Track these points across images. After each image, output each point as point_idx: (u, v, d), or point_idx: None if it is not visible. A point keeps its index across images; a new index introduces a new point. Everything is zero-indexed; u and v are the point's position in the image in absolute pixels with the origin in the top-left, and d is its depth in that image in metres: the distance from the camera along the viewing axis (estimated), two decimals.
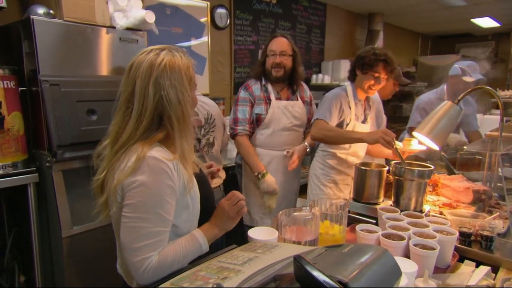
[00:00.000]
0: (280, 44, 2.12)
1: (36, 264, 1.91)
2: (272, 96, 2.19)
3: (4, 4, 1.61)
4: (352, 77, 2.05)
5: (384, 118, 2.47)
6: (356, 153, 2.12)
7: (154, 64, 0.92)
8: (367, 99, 2.13)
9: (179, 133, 0.95)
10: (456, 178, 1.81)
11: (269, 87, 2.21)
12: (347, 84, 2.08)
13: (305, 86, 2.36)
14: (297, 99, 2.24)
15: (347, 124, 2.02)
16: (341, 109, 1.98)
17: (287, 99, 2.23)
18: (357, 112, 2.06)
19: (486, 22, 6.42)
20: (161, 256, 0.90)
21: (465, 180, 1.79)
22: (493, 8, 5.37)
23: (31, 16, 1.72)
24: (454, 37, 8.04)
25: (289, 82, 2.24)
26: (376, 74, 1.89)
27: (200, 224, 1.06)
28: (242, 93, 2.21)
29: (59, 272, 1.90)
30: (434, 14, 5.83)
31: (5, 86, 1.69)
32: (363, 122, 2.10)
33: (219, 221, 1.04)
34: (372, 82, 1.92)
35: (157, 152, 0.92)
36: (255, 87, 2.21)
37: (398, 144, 1.77)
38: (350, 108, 2.01)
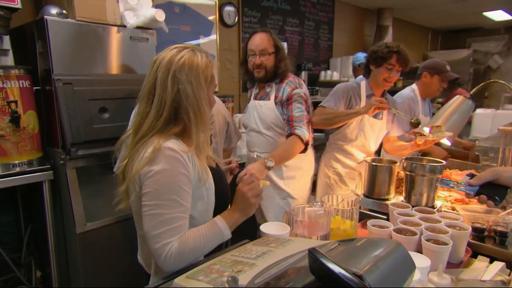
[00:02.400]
0: (259, 42, 1.89)
1: (52, 259, 1.95)
2: (252, 95, 2.10)
3: (19, 5, 1.65)
4: (366, 73, 2.07)
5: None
6: (363, 146, 2.10)
7: (173, 60, 0.98)
8: (382, 96, 2.10)
9: (196, 126, 0.99)
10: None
11: (255, 85, 2.10)
12: (362, 78, 2.09)
13: (289, 84, 1.93)
14: (268, 99, 1.97)
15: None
16: (349, 99, 2.01)
17: (260, 98, 2.03)
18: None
19: (498, 15, 6.30)
20: (181, 241, 0.92)
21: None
22: (506, 0, 5.27)
23: (45, 16, 1.75)
24: (465, 31, 7.90)
25: (274, 80, 2.00)
26: (390, 66, 1.92)
27: None
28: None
29: (74, 267, 1.94)
30: (444, 8, 5.74)
31: (21, 85, 1.73)
32: (375, 116, 2.07)
33: (240, 205, 1.04)
34: (387, 74, 1.93)
35: (173, 144, 0.96)
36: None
37: (425, 131, 1.74)
38: (360, 100, 2.03)
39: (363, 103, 2.02)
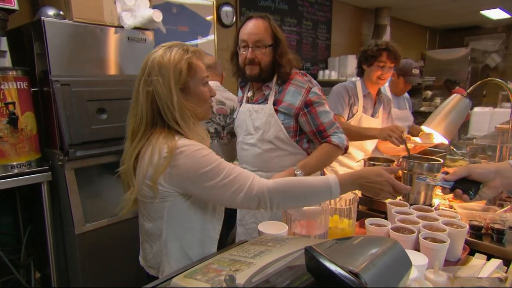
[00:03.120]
0: (254, 31, 1.46)
1: (51, 260, 1.95)
2: (245, 97, 1.68)
3: (16, 7, 1.65)
4: (360, 73, 2.10)
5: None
6: (361, 145, 2.09)
7: (147, 62, 0.98)
8: (378, 94, 2.11)
9: (183, 122, 0.98)
10: None
11: (248, 85, 1.68)
12: (358, 80, 2.11)
13: (299, 85, 1.55)
14: (266, 102, 1.54)
15: (354, 114, 2.03)
16: (349, 98, 2.02)
17: (256, 101, 1.60)
18: (366, 105, 2.06)
19: (496, 14, 6.32)
20: (276, 181, 0.94)
21: None
22: None
23: (42, 17, 1.75)
24: (463, 30, 7.92)
25: (271, 80, 1.57)
26: (382, 64, 1.93)
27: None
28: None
29: (73, 268, 1.94)
30: (442, 7, 5.75)
31: (18, 87, 1.73)
32: (372, 115, 2.09)
33: (365, 179, 0.97)
34: (379, 72, 1.95)
35: (184, 141, 0.96)
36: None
37: (415, 139, 1.78)
38: (358, 99, 2.04)
39: (360, 102, 2.03)
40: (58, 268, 2.00)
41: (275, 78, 1.54)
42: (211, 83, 1.42)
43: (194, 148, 0.95)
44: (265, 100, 1.55)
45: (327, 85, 4.43)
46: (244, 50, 1.51)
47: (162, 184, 0.95)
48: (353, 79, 3.66)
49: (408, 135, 1.83)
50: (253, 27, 1.48)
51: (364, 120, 2.03)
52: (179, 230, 1.01)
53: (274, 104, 1.52)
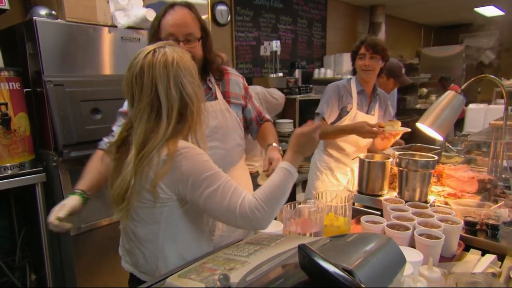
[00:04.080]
0: (183, 22, 1.28)
1: (46, 262, 1.94)
2: None
3: (6, 6, 1.63)
4: (353, 72, 2.18)
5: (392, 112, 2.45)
6: (356, 142, 2.10)
7: (167, 65, 0.95)
8: (374, 92, 2.13)
9: (198, 123, 1.01)
10: (460, 168, 1.81)
11: None
12: (353, 77, 2.14)
13: (234, 73, 1.51)
14: (216, 98, 1.40)
15: (348, 112, 2.05)
16: (341, 98, 2.04)
17: None
18: (360, 102, 2.08)
19: (490, 11, 6.36)
20: (257, 193, 0.94)
21: (470, 170, 1.78)
22: None
23: (34, 17, 1.74)
24: (458, 27, 7.96)
25: (202, 75, 1.39)
26: (361, 55, 2.01)
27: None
28: (123, 104, 1.45)
29: (68, 269, 1.92)
30: (436, 4, 5.78)
31: (11, 87, 1.71)
32: (367, 112, 2.10)
33: (297, 147, 1.06)
34: (361, 62, 2.01)
35: (183, 143, 0.96)
36: None
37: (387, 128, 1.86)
38: (351, 97, 2.06)
39: (354, 100, 2.05)
40: (54, 270, 1.98)
41: (214, 75, 1.42)
42: None
43: (196, 152, 0.95)
44: (212, 96, 1.39)
45: (322, 83, 4.44)
46: None
47: (162, 188, 0.94)
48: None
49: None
50: (180, 17, 1.28)
51: (359, 117, 2.04)
52: (177, 233, 1.01)
53: (224, 97, 1.41)
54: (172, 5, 1.30)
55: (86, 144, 1.87)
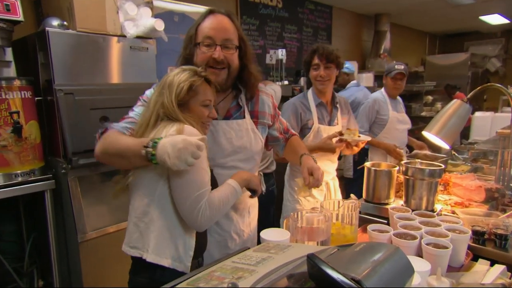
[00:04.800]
0: (222, 26, 1.22)
1: (54, 268, 1.95)
2: None
3: (21, 18, 1.67)
4: (309, 84, 2.14)
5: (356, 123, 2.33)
6: (327, 155, 1.95)
7: (166, 78, 1.12)
8: (333, 100, 2.04)
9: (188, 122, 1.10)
10: (467, 177, 1.80)
11: None
12: (309, 90, 2.06)
13: (265, 95, 1.42)
14: (243, 116, 1.32)
15: (310, 128, 1.95)
16: (299, 117, 1.96)
17: (227, 116, 1.31)
18: (321, 114, 2.00)
19: (495, 19, 6.35)
20: (210, 202, 1.06)
21: (477, 178, 1.77)
22: (502, 5, 5.32)
23: (46, 28, 1.78)
24: (463, 35, 7.96)
25: (234, 89, 1.35)
26: (315, 66, 1.93)
27: None
28: (146, 93, 1.29)
29: (76, 276, 1.93)
30: (441, 13, 5.78)
31: (23, 96, 1.75)
32: (330, 123, 2.02)
33: (243, 175, 1.21)
34: (315, 73, 1.93)
35: (191, 128, 1.05)
36: None
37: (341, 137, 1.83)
38: (311, 111, 1.97)
39: (314, 114, 1.97)
40: (61, 276, 1.99)
41: (247, 91, 1.34)
42: None
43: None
44: (239, 113, 1.31)
45: None
46: (208, 49, 1.21)
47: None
48: (355, 83, 3.68)
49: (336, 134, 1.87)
50: (220, 23, 1.22)
51: (322, 130, 1.96)
52: (166, 207, 1.07)
53: (251, 116, 1.34)
54: (212, 11, 1.25)
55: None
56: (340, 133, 1.82)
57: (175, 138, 0.98)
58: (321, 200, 1.96)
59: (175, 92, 1.07)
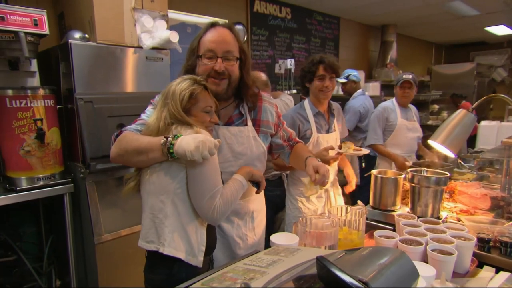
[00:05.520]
0: (223, 39, 1.26)
1: (71, 269, 1.99)
2: None
3: (47, 31, 1.74)
4: (305, 93, 2.07)
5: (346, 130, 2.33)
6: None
7: (168, 89, 1.16)
8: (329, 108, 2.05)
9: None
10: (473, 185, 1.79)
11: None
12: (305, 100, 2.04)
13: (268, 100, 1.47)
14: (245, 124, 1.36)
15: (309, 138, 1.94)
16: (297, 128, 1.94)
17: (228, 123, 1.35)
18: (319, 123, 1.98)
19: (500, 30, 6.31)
20: (223, 196, 1.11)
21: (483, 186, 1.76)
22: (507, 16, 5.30)
23: (69, 40, 1.85)
24: (469, 46, 7.91)
25: (236, 98, 1.38)
26: (320, 77, 1.90)
27: None
28: (156, 98, 1.30)
29: (92, 276, 1.97)
30: (447, 24, 5.78)
31: (46, 104, 1.81)
32: (328, 131, 2.01)
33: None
34: (320, 84, 1.90)
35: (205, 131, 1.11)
36: None
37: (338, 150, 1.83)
38: (309, 122, 1.96)
39: (312, 123, 1.96)
40: (78, 276, 2.04)
41: (246, 100, 1.37)
42: None
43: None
44: (241, 121, 1.35)
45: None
46: (209, 61, 1.25)
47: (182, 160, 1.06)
48: (366, 93, 3.69)
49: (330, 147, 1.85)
50: (221, 35, 1.27)
51: (321, 139, 1.95)
52: (180, 204, 1.10)
53: (253, 124, 1.37)
54: (213, 24, 1.29)
55: None
56: (339, 147, 1.83)
57: (196, 134, 1.06)
58: (320, 207, 1.98)
59: (178, 100, 1.12)
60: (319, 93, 1.93)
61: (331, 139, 1.99)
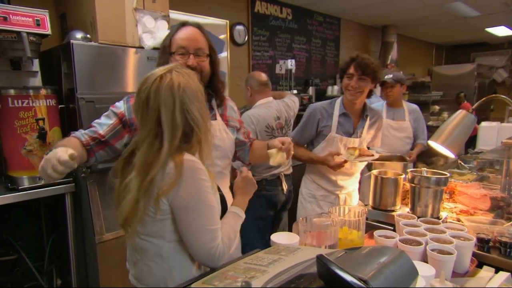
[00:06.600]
0: (194, 37, 1.34)
1: (72, 268, 2.00)
2: None
3: (49, 32, 1.76)
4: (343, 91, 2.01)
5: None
6: (341, 169, 1.89)
7: (173, 90, 0.95)
8: (363, 113, 1.94)
9: (205, 142, 1.02)
10: (473, 185, 1.80)
11: None
12: (339, 98, 1.98)
13: (231, 102, 1.57)
14: (215, 118, 1.43)
15: (326, 136, 1.91)
16: (316, 122, 1.91)
17: None
18: (343, 125, 1.91)
19: (501, 31, 6.32)
20: (224, 237, 1.01)
21: (482, 187, 1.77)
22: (508, 17, 5.30)
23: (71, 40, 1.86)
24: (469, 46, 7.92)
25: (205, 94, 1.36)
26: (349, 75, 1.83)
27: None
28: (117, 105, 1.36)
29: (93, 275, 1.98)
30: (447, 25, 5.78)
31: (48, 104, 1.82)
32: (352, 135, 1.92)
33: (241, 191, 1.20)
34: (347, 82, 1.82)
35: (190, 156, 0.98)
36: None
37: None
38: (332, 119, 1.90)
39: (334, 122, 1.90)
40: (79, 276, 2.04)
41: (216, 96, 1.45)
42: (265, 100, 1.80)
43: (200, 174, 0.96)
44: (212, 116, 1.42)
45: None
46: (181, 57, 1.31)
47: (162, 200, 0.95)
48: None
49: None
50: (192, 33, 1.35)
51: (338, 140, 1.90)
52: (181, 245, 1.02)
53: (223, 118, 1.46)
54: (184, 24, 1.37)
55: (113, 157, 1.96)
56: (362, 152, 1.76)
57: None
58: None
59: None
60: (345, 92, 1.86)
61: (350, 144, 1.89)
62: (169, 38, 1.35)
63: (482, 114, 6.21)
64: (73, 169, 1.00)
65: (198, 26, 1.38)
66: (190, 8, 3.35)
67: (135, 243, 1.06)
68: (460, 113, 1.71)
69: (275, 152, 1.36)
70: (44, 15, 1.74)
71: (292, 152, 1.37)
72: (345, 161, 1.80)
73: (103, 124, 1.29)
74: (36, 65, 2.00)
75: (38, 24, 1.69)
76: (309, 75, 4.78)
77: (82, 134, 1.26)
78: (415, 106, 2.94)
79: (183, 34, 1.33)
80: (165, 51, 1.35)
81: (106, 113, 1.34)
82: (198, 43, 1.33)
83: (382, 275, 0.63)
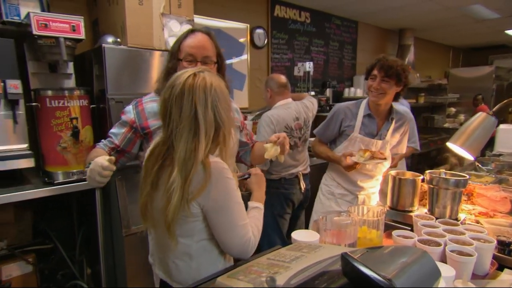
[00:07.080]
0: (202, 45, 1.32)
1: (101, 258, 2.06)
2: None
3: (83, 36, 1.81)
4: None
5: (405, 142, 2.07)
6: (363, 168, 1.87)
7: (206, 89, 0.97)
8: (389, 115, 1.89)
9: (227, 144, 1.04)
10: (492, 188, 1.74)
11: None
12: (366, 98, 1.94)
13: (234, 104, 1.52)
14: None
15: (348, 136, 1.89)
16: (339, 121, 1.90)
17: None
18: (367, 126, 1.87)
19: None
20: (253, 230, 1.06)
21: (502, 190, 1.71)
22: None
23: (102, 44, 1.91)
24: (487, 49, 7.65)
25: None
26: (373, 76, 1.78)
27: None
28: (126, 110, 1.41)
29: (120, 266, 2.03)
30: (466, 27, 5.60)
31: (81, 104, 1.88)
32: (376, 136, 1.87)
33: (256, 185, 1.23)
34: (370, 83, 1.79)
35: (213, 158, 1.00)
36: (150, 105, 1.38)
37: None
38: (356, 119, 1.87)
39: (358, 123, 1.86)
40: (107, 266, 2.10)
41: None
42: (284, 101, 1.83)
43: (226, 174, 0.99)
44: None
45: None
46: (189, 64, 1.30)
47: (193, 204, 0.97)
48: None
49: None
50: (200, 41, 1.32)
51: (360, 141, 1.86)
52: (208, 244, 1.05)
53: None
54: (193, 31, 1.35)
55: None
56: (380, 155, 1.73)
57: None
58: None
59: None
60: (369, 93, 1.82)
61: (372, 145, 1.84)
62: (178, 44, 1.33)
63: (501, 117, 5.98)
64: (114, 171, 1.09)
65: (208, 32, 1.36)
66: (212, 13, 3.38)
67: (161, 239, 1.08)
68: (480, 115, 1.66)
69: (270, 146, 1.36)
70: (79, 21, 1.79)
71: (287, 147, 1.37)
72: (356, 163, 1.77)
73: (117, 134, 1.37)
74: (70, 68, 2.06)
75: (74, 29, 1.75)
76: (327, 77, 4.74)
77: (104, 144, 1.36)
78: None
79: (192, 41, 1.31)
80: (173, 57, 1.34)
81: (119, 121, 1.40)
82: (206, 51, 1.31)
83: (405, 275, 0.63)
